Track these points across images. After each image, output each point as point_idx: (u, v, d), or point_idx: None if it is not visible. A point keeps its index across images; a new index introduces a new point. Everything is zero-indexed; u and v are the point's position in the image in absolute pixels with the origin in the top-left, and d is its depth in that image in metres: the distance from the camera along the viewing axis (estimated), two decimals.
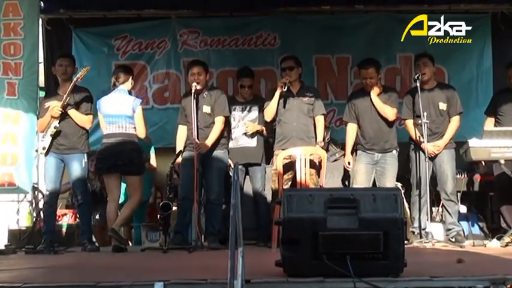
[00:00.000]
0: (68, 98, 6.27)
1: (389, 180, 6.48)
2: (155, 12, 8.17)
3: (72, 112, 6.34)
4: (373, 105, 6.52)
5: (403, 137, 7.02)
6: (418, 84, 6.32)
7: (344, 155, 6.86)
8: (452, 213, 6.45)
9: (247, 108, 6.78)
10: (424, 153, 6.34)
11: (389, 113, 6.52)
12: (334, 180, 6.93)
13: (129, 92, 6.60)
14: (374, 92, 6.52)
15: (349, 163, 6.65)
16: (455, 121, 6.51)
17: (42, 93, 7.34)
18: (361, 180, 6.52)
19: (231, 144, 6.71)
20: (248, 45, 8.22)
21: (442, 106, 6.49)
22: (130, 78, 6.56)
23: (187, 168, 6.26)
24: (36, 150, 6.79)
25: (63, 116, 6.31)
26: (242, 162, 6.56)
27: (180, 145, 6.51)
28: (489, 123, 6.65)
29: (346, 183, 6.91)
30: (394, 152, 6.58)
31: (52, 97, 6.48)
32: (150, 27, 8.27)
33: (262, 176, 6.67)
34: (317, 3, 8.07)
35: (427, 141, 6.34)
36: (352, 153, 6.69)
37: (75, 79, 6.30)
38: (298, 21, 8.27)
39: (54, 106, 6.26)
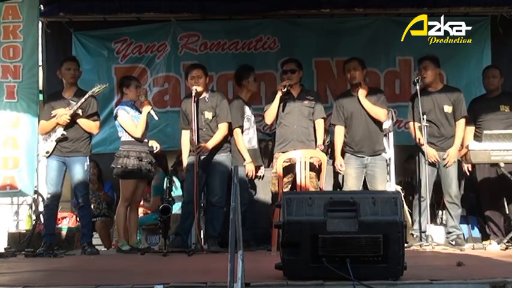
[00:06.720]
0: (78, 107, 6.28)
1: (381, 183, 6.48)
2: (155, 15, 8.15)
3: (80, 121, 6.37)
4: (362, 107, 6.51)
5: (402, 141, 7.03)
6: (417, 88, 6.33)
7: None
8: (454, 216, 6.44)
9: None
10: (427, 156, 6.34)
11: (381, 113, 6.50)
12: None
13: (126, 102, 6.64)
14: (361, 94, 6.50)
15: (340, 165, 6.60)
16: (461, 125, 6.48)
17: (41, 96, 7.34)
18: (352, 184, 6.49)
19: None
20: (248, 49, 8.21)
21: (447, 109, 6.47)
22: (124, 90, 6.67)
23: (192, 173, 6.28)
24: (38, 154, 6.81)
25: (70, 122, 6.32)
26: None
27: (185, 150, 6.53)
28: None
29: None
30: (384, 154, 6.58)
31: (57, 100, 6.48)
32: (150, 31, 8.27)
33: None
34: (317, 7, 8.06)
35: (434, 145, 6.40)
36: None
37: (90, 93, 6.34)
38: (298, 24, 8.27)
39: (62, 114, 6.26)
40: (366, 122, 6.52)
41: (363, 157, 6.53)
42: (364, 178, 6.56)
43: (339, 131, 6.65)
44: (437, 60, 6.58)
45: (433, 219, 6.62)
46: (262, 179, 6.79)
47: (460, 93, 6.61)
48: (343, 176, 6.72)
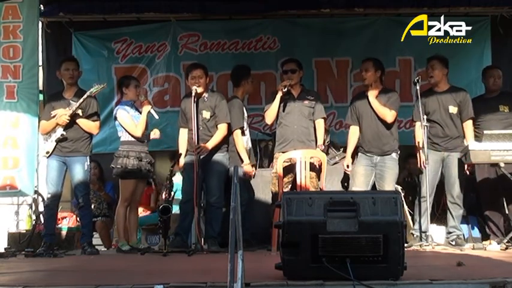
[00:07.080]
0: (76, 107, 6.28)
1: (389, 184, 6.45)
2: (155, 15, 8.15)
3: (80, 121, 6.38)
4: (371, 107, 6.52)
5: (402, 140, 7.01)
6: (418, 88, 6.32)
7: (344, 157, 6.85)
8: (455, 216, 6.43)
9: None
10: (427, 157, 6.33)
11: (387, 115, 6.50)
12: (334, 184, 6.93)
13: (126, 102, 6.65)
14: (371, 94, 6.51)
15: (347, 166, 6.63)
16: (468, 126, 6.46)
17: (41, 96, 7.34)
18: (359, 182, 6.50)
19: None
20: (248, 49, 8.21)
21: (452, 110, 6.45)
22: (124, 90, 6.67)
23: (189, 173, 6.29)
24: (38, 154, 6.81)
25: (70, 122, 6.32)
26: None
27: (182, 148, 6.53)
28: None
29: (346, 184, 6.90)
30: (394, 155, 6.54)
31: (57, 101, 6.49)
32: (150, 31, 8.26)
33: None
34: (317, 7, 8.05)
35: (439, 145, 6.40)
36: (353, 156, 6.68)
37: (88, 93, 6.34)
38: (298, 24, 8.26)
39: (62, 115, 6.27)
40: (375, 122, 6.52)
41: (372, 156, 6.53)
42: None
43: (353, 131, 6.67)
44: (446, 61, 6.58)
45: (433, 219, 6.62)
46: (254, 177, 6.81)
47: (467, 94, 6.59)
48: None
